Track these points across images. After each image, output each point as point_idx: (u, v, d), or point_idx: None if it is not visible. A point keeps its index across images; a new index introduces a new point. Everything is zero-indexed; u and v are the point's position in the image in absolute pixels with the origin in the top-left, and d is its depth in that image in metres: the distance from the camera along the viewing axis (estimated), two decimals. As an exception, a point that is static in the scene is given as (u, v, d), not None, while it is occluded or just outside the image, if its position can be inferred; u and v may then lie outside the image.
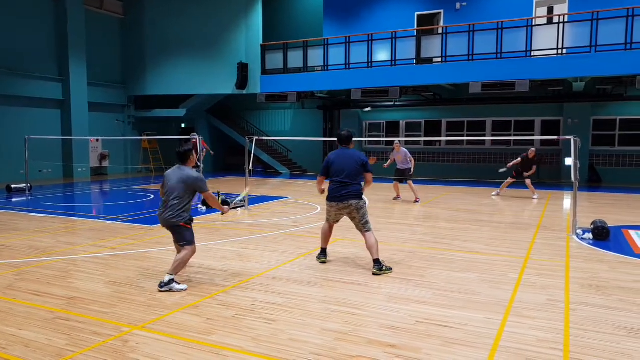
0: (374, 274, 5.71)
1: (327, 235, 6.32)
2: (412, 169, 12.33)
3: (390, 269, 5.86)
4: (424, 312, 4.47)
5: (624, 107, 17.45)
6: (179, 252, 5.30)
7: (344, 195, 5.88)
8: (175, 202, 5.12)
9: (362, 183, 6.03)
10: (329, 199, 6.05)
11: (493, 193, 13.77)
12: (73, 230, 8.57)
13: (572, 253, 6.83)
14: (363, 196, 6.04)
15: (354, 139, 6.35)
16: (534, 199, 12.92)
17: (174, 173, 5.26)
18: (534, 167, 12.96)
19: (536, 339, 3.86)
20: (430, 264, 6.21)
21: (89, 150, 20.17)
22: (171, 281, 5.07)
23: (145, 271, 5.85)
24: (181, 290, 5.06)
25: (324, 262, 6.23)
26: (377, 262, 5.79)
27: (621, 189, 15.54)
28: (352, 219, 6.02)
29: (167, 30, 20.88)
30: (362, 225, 5.95)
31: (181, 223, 5.15)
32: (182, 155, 5.29)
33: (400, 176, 12.33)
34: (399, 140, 12.92)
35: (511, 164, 13.21)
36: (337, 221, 6.25)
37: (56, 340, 3.85)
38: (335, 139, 6.33)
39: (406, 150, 12.32)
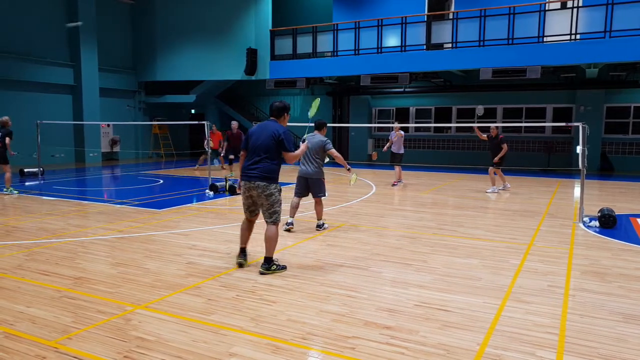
0: (261, 272, 5.03)
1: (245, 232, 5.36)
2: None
3: (283, 267, 5.18)
4: (422, 296, 4.51)
5: (639, 94, 17.14)
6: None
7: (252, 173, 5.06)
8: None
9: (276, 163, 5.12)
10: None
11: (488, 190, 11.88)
12: (83, 214, 8.73)
13: (576, 240, 6.81)
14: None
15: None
16: (488, 192, 11.54)
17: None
18: (504, 148, 11.28)
19: (533, 324, 3.89)
20: (433, 250, 6.23)
21: (100, 136, 20.38)
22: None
23: (151, 253, 5.96)
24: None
25: (241, 265, 5.29)
26: (268, 260, 5.09)
27: (634, 178, 15.33)
28: (260, 205, 5.13)
29: (177, 16, 20.88)
30: (269, 215, 5.10)
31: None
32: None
33: (392, 159, 13.04)
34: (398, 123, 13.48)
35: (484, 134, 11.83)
36: (252, 211, 5.24)
37: (62, 317, 3.97)
38: (344, 124, 6.38)
39: (403, 133, 12.97)
